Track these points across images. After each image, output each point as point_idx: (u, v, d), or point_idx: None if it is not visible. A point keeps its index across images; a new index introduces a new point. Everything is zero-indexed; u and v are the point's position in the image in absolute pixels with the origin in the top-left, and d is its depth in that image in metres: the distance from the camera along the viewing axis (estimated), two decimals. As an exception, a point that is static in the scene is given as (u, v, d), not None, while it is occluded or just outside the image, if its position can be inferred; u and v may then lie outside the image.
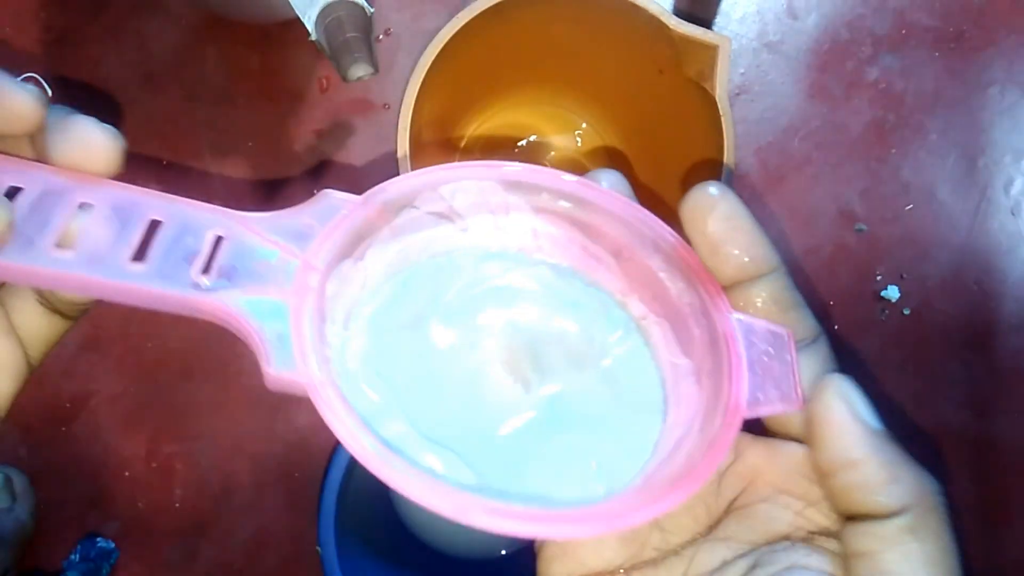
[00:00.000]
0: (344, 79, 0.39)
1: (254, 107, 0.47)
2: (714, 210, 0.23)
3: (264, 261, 0.23)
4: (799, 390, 0.22)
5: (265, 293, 0.22)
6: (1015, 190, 0.49)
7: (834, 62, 0.49)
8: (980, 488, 0.50)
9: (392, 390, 0.24)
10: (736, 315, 0.23)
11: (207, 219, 0.23)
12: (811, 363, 0.23)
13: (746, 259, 0.23)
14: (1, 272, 0.21)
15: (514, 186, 0.24)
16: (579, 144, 0.49)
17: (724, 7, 0.49)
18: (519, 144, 0.49)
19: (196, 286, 0.22)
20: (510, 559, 0.48)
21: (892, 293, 0.49)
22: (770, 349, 0.23)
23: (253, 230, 0.23)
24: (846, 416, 0.21)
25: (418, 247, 0.25)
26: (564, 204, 0.24)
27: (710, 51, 0.36)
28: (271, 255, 0.23)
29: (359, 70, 0.39)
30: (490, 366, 0.25)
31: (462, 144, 0.48)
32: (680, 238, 0.24)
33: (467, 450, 0.23)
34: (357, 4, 0.35)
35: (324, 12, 0.34)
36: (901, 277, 0.49)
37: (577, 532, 0.21)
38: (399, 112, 0.38)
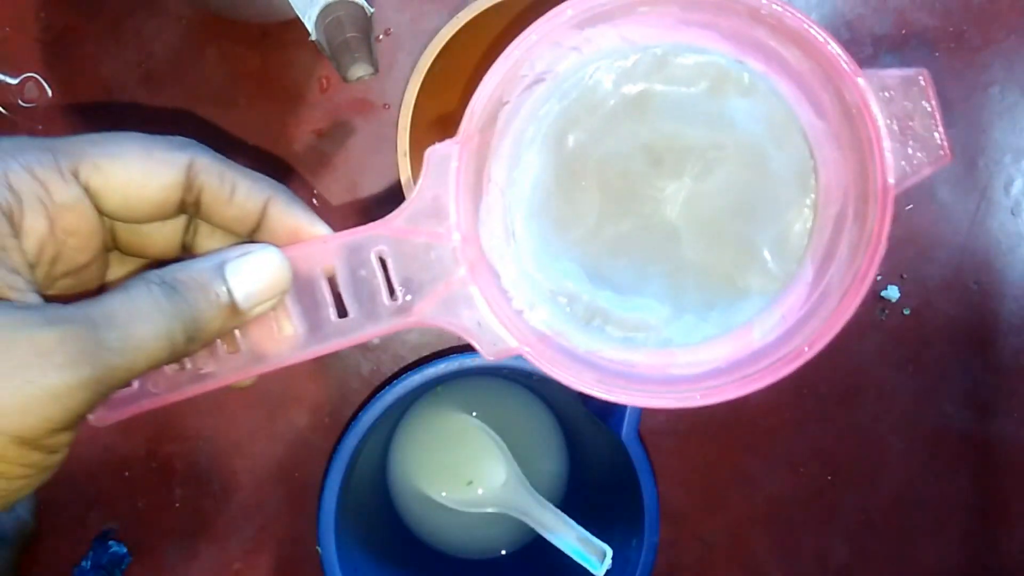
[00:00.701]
0: (344, 79, 0.39)
1: (254, 107, 0.47)
2: None
3: (426, 258, 0.24)
4: (946, 142, 0.22)
5: (447, 288, 0.24)
6: (1015, 190, 0.49)
7: (834, 62, 0.49)
8: (980, 488, 0.50)
9: (572, 267, 0.25)
10: (863, 74, 0.22)
11: (364, 243, 0.24)
12: None
13: None
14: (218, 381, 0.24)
15: (586, 22, 0.24)
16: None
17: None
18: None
19: (395, 313, 0.24)
20: (510, 559, 0.48)
21: (892, 293, 0.49)
22: (907, 103, 0.22)
23: (400, 232, 0.24)
24: None
25: (519, 121, 0.25)
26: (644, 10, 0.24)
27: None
28: (428, 250, 0.24)
29: (359, 70, 0.39)
30: (637, 160, 0.25)
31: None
32: (786, 6, 0.23)
33: (656, 286, 0.25)
34: (357, 4, 0.35)
35: (324, 12, 0.34)
36: (901, 277, 0.49)
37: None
38: (399, 112, 0.38)
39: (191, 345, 0.22)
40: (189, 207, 0.24)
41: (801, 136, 0.24)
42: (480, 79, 0.24)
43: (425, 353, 0.48)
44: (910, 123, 0.22)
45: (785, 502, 0.49)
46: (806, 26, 0.22)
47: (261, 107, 0.47)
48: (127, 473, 0.47)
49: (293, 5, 0.34)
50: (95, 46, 0.47)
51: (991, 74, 0.49)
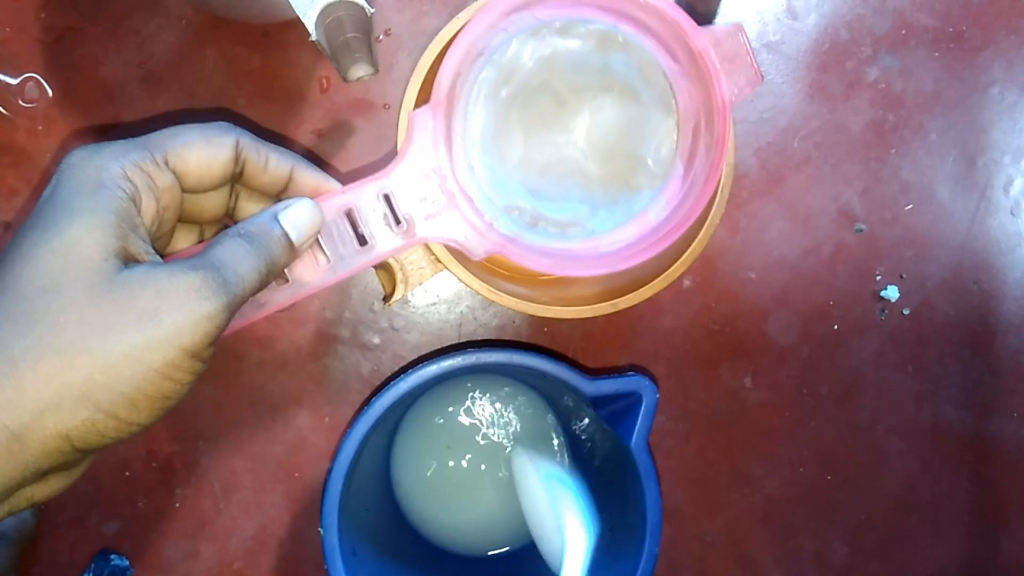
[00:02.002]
0: (344, 79, 0.39)
1: (254, 107, 0.47)
2: None
3: (419, 194, 0.32)
4: (758, 71, 0.32)
5: (438, 213, 0.32)
6: (1014, 190, 0.49)
7: (834, 62, 0.49)
8: (980, 488, 0.50)
9: (515, 188, 0.33)
10: (702, 31, 0.31)
11: (371, 190, 0.32)
12: None
13: None
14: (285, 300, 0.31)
15: (511, 10, 0.32)
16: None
17: (723, 7, 0.49)
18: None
19: (402, 236, 0.32)
20: (514, 555, 0.48)
21: (892, 293, 0.49)
22: (731, 47, 0.31)
23: (398, 178, 0.32)
24: None
25: (468, 86, 0.33)
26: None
27: (710, 51, 0.36)
28: (420, 187, 0.32)
29: (359, 70, 0.39)
30: (548, 104, 0.34)
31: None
32: None
33: (575, 194, 0.34)
34: (357, 4, 0.35)
35: (324, 12, 0.34)
36: (901, 277, 0.49)
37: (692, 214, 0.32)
38: (399, 112, 0.38)
39: (269, 277, 0.28)
40: (235, 177, 0.31)
41: (663, 76, 0.33)
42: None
43: (424, 352, 0.48)
44: (735, 60, 0.31)
45: (784, 502, 0.50)
46: (661, 3, 0.32)
47: (261, 107, 0.47)
48: (127, 473, 0.47)
49: (293, 5, 0.34)
50: (95, 46, 0.47)
51: (990, 74, 0.49)
